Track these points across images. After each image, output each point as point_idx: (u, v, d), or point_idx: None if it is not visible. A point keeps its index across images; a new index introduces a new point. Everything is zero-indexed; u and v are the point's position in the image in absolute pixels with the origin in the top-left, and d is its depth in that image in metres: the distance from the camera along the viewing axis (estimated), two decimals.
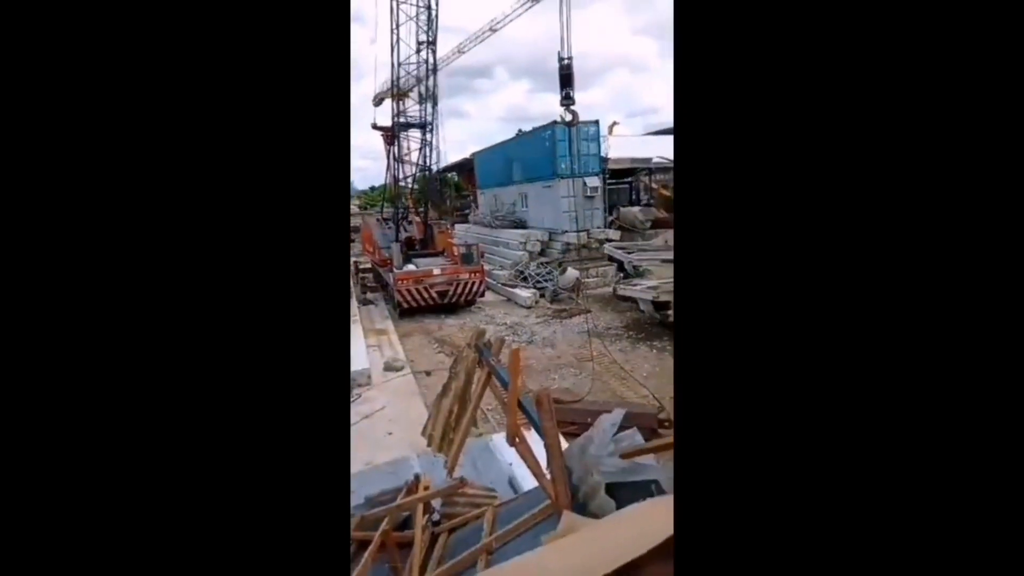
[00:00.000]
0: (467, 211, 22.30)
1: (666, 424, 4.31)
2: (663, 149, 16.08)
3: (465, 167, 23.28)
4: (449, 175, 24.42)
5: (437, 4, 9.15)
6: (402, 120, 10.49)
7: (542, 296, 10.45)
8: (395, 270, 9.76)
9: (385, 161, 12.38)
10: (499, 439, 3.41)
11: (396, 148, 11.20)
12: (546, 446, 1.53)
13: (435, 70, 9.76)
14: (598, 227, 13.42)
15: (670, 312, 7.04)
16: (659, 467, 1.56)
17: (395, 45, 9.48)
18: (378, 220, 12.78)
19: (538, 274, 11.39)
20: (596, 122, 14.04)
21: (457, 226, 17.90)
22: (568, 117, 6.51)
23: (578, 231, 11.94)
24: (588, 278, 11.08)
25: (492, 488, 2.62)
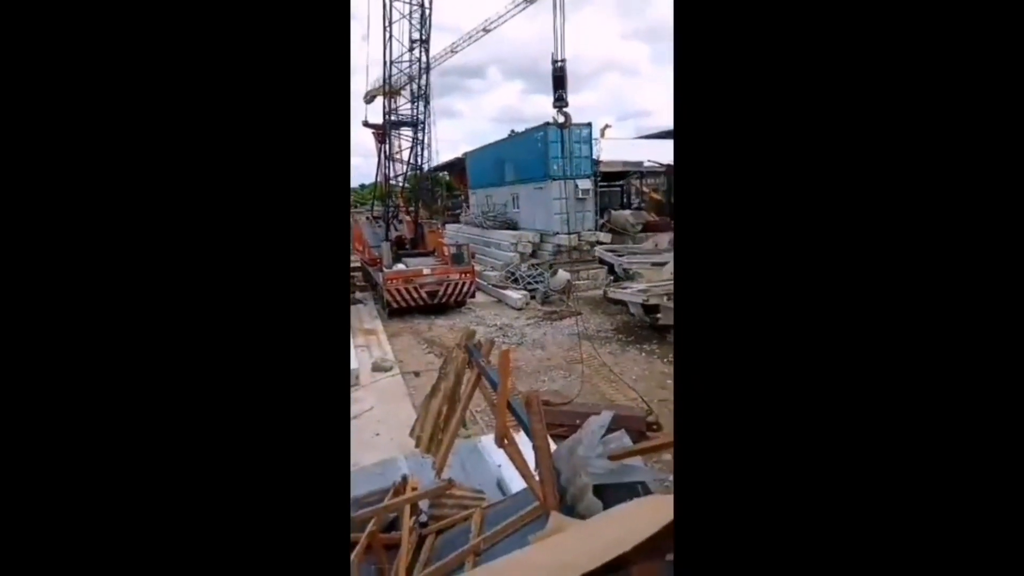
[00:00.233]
0: (458, 211, 22.26)
1: (654, 427, 4.34)
2: (654, 153, 16.22)
3: (457, 167, 23.24)
4: (440, 174, 24.36)
5: (430, 3, 9.13)
6: (394, 118, 10.44)
7: (532, 298, 10.46)
8: (385, 269, 9.69)
9: (376, 159, 12.31)
10: (487, 440, 3.40)
11: (387, 146, 11.13)
12: (535, 447, 1.53)
13: (428, 69, 9.72)
14: (589, 229, 13.48)
15: (660, 315, 7.09)
16: (647, 469, 1.57)
17: (388, 43, 9.44)
18: (368, 218, 12.69)
19: (529, 276, 11.40)
20: (588, 124, 14.12)
21: (448, 226, 17.85)
22: (561, 119, 6.53)
23: (569, 233, 11.98)
24: (579, 280, 11.11)
25: (480, 490, 2.61)
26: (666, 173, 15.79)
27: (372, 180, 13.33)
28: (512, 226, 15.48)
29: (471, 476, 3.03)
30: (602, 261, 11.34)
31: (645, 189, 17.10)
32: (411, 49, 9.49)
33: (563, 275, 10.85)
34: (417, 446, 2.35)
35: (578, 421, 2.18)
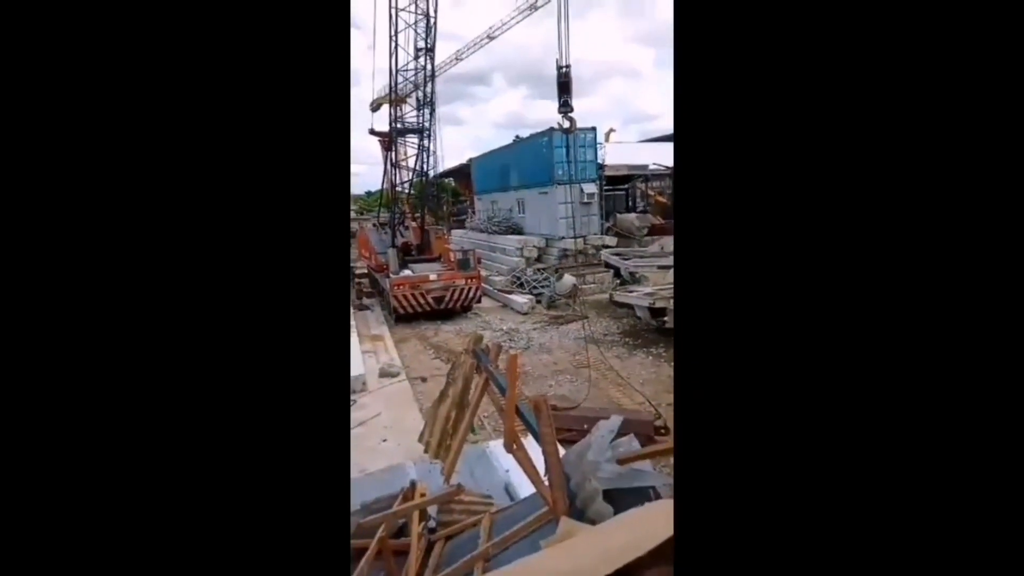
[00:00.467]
0: (464, 217, 22.34)
1: (662, 431, 4.30)
2: (659, 156, 16.20)
3: (462, 172, 23.35)
4: (446, 180, 24.49)
5: (436, 12, 9.22)
6: (400, 126, 10.52)
7: (538, 302, 10.46)
8: (391, 275, 9.74)
9: (382, 166, 12.40)
10: (495, 446, 3.39)
11: (393, 153, 11.21)
12: (544, 452, 1.52)
13: (433, 76, 9.81)
14: (595, 233, 13.46)
15: (666, 318, 7.06)
16: (656, 473, 1.56)
17: (393, 52, 9.53)
18: (374, 225, 12.76)
19: (535, 280, 11.40)
20: (593, 129, 14.12)
21: (454, 232, 17.92)
22: (566, 124, 6.55)
23: (575, 237, 11.97)
24: (585, 284, 11.09)
25: (489, 495, 2.61)
26: (671, 176, 15.76)
27: (378, 187, 13.44)
28: (518, 231, 15.50)
29: (480, 481, 3.02)
30: (608, 265, 11.32)
31: (650, 192, 17.07)
32: (416, 58, 9.58)
33: (569, 279, 10.84)
34: (426, 451, 2.35)
35: (586, 426, 2.17)
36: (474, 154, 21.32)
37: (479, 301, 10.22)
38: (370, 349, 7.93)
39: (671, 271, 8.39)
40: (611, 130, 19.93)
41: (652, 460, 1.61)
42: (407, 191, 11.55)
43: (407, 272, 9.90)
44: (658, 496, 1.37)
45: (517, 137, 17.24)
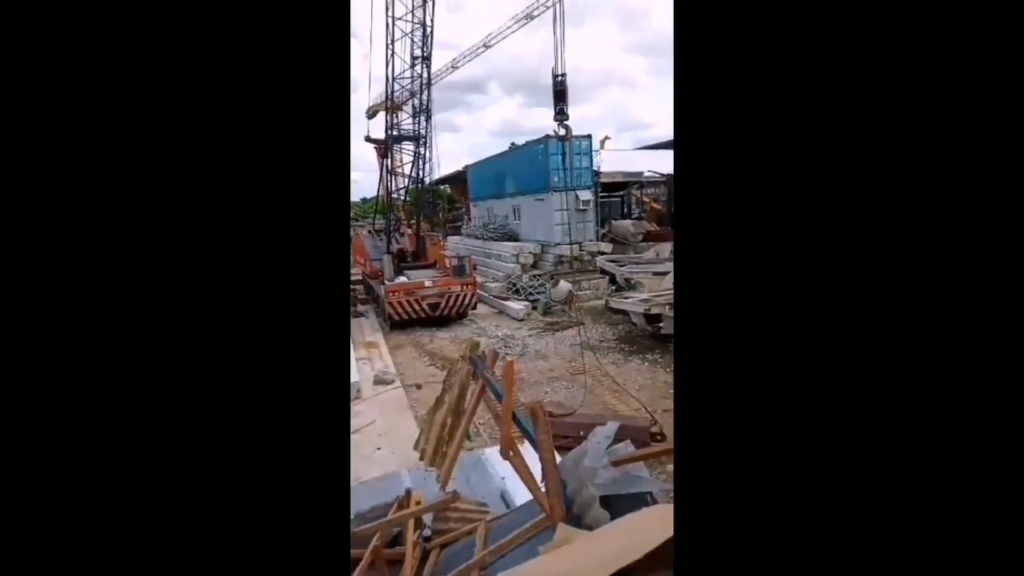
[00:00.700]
0: (459, 223, 22.38)
1: (659, 437, 4.30)
2: (654, 163, 16.33)
3: (458, 179, 23.42)
4: (442, 187, 24.57)
5: (432, 21, 9.30)
6: (396, 133, 10.56)
7: (534, 309, 10.46)
8: (386, 282, 9.71)
9: (378, 173, 12.43)
10: (491, 453, 3.37)
11: (389, 160, 11.24)
12: (541, 459, 1.52)
13: (429, 84, 9.86)
14: (590, 240, 13.52)
15: (662, 324, 7.07)
16: (653, 479, 1.56)
17: (390, 60, 9.59)
18: (370, 232, 12.76)
19: (530, 286, 11.41)
20: (588, 136, 14.24)
21: (449, 238, 17.93)
22: (562, 131, 6.60)
23: (570, 244, 12.02)
24: (580, 291, 11.11)
25: (484, 502, 2.59)
26: (666, 183, 15.88)
27: (374, 194, 13.46)
28: (513, 237, 15.54)
29: (475, 489, 2.99)
30: (603, 271, 11.35)
31: (645, 199, 17.18)
32: (413, 66, 9.64)
33: (564, 286, 10.86)
34: (422, 459, 2.33)
35: (582, 432, 2.16)
36: (470, 161, 21.42)
37: (475, 308, 10.20)
38: (365, 356, 7.89)
39: (666, 277, 8.42)
40: (606, 137, 20.08)
41: (648, 465, 1.61)
42: (403, 198, 11.56)
43: (402, 279, 9.88)
44: (655, 501, 1.37)
45: (513, 144, 17.34)
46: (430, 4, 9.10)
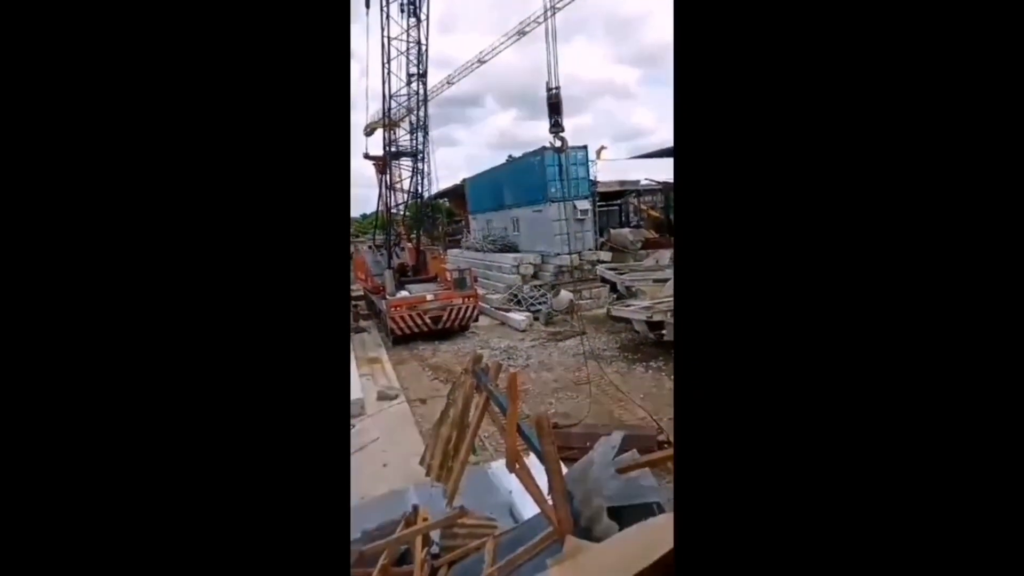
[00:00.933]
0: (459, 236, 22.47)
1: (665, 445, 4.27)
2: (651, 171, 16.44)
3: (456, 193, 23.56)
4: (441, 201, 24.69)
5: (427, 40, 9.47)
6: (394, 149, 10.67)
7: (536, 319, 10.45)
8: (388, 297, 9.73)
9: (376, 189, 12.53)
10: (497, 466, 3.35)
11: (388, 176, 11.34)
12: (547, 471, 1.51)
13: (426, 100, 10.00)
14: (590, 249, 13.56)
15: (664, 331, 7.06)
16: (660, 488, 1.55)
17: (386, 79, 9.74)
18: (370, 247, 12.82)
19: (532, 297, 11.41)
20: (584, 147, 14.37)
21: (450, 251, 17.99)
22: (557, 143, 6.67)
23: (570, 253, 12.05)
24: (581, 300, 11.11)
25: (492, 517, 2.56)
26: (663, 190, 15.97)
27: (373, 210, 13.54)
28: (513, 249, 15.59)
29: (483, 503, 2.97)
30: (604, 280, 11.35)
31: (643, 207, 17.26)
32: (409, 83, 9.78)
33: (565, 295, 10.86)
34: (428, 474, 2.32)
35: (588, 443, 2.15)
36: (468, 174, 21.60)
37: (476, 320, 10.19)
38: (368, 372, 7.86)
39: (667, 284, 8.43)
40: (602, 147, 20.27)
41: (656, 473, 1.60)
42: (402, 213, 11.63)
43: (404, 293, 9.90)
44: (662, 511, 1.36)
45: (510, 157, 17.49)
46: (424, 24, 9.28)
